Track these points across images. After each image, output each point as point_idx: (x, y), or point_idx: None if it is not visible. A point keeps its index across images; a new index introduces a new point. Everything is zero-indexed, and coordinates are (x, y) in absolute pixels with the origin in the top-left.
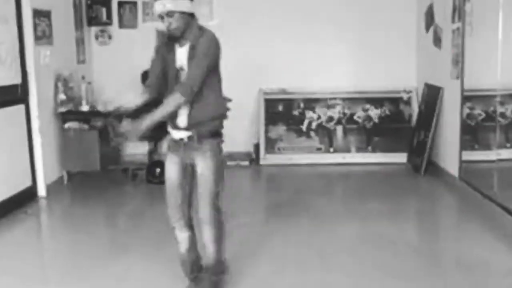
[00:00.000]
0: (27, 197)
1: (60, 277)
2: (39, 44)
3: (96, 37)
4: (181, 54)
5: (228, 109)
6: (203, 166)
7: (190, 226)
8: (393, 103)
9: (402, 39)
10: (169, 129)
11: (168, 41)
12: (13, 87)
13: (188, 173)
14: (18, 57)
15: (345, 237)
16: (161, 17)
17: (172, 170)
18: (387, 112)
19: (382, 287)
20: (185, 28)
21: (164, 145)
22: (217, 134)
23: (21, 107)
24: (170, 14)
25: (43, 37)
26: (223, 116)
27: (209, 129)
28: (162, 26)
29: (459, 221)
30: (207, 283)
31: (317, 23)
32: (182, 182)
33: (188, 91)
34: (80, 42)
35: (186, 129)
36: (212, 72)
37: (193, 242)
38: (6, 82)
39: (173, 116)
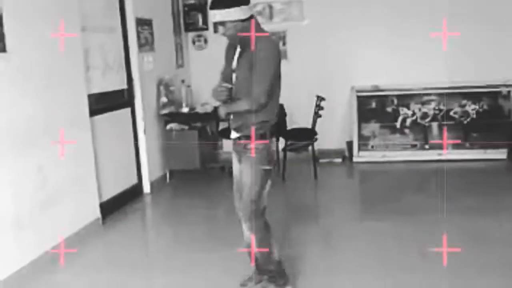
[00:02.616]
0: (134, 193)
1: (164, 266)
2: (142, 51)
3: (193, 42)
4: (235, 57)
5: (277, 115)
6: (243, 171)
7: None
8: (491, 97)
9: (501, 31)
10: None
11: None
12: (120, 91)
13: None
14: (123, 63)
15: (442, 234)
16: (219, 24)
17: (235, 168)
18: (485, 107)
19: (488, 284)
20: (236, 35)
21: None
22: (262, 138)
23: (127, 110)
24: (221, 23)
25: (146, 44)
26: (270, 121)
27: (255, 133)
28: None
29: None
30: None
31: (410, 17)
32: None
33: (255, 106)
34: (178, 48)
35: (235, 130)
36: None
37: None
38: (115, 87)
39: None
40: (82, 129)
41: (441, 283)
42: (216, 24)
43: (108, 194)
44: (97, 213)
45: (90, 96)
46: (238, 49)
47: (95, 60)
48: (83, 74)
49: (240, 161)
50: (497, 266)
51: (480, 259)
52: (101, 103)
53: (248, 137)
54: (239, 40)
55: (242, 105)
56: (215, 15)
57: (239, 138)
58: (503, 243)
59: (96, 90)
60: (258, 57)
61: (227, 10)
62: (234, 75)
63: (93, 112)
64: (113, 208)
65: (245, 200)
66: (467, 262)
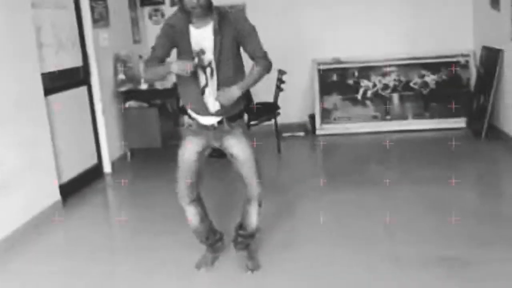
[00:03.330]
0: (94, 174)
1: (124, 250)
2: (97, 26)
3: (150, 17)
4: (201, 36)
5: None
6: (240, 148)
7: (199, 199)
8: (449, 67)
9: (457, 2)
10: (193, 114)
11: (183, 21)
12: (75, 69)
13: (206, 153)
14: (78, 40)
15: (404, 203)
16: None
17: (192, 151)
18: (444, 77)
19: (443, 253)
20: (208, 9)
21: (185, 126)
22: (242, 113)
23: (84, 88)
24: None
25: (100, 19)
26: (247, 95)
27: (238, 112)
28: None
29: None
30: (245, 244)
31: None
32: (198, 163)
33: (269, 67)
34: (135, 22)
35: (216, 114)
36: (238, 49)
37: (204, 212)
38: (69, 65)
39: (198, 100)
40: (37, 109)
41: (401, 252)
42: None
43: (68, 175)
44: (57, 195)
45: (44, 75)
46: (211, 26)
47: (48, 38)
48: (36, 52)
49: (223, 138)
50: (456, 236)
51: (440, 228)
52: (56, 82)
53: (232, 118)
54: (219, 16)
55: (257, 74)
56: None
57: (221, 121)
58: (462, 211)
59: (50, 68)
60: (243, 23)
61: None
62: (208, 56)
63: (48, 91)
64: (73, 189)
65: (256, 174)
66: (426, 231)
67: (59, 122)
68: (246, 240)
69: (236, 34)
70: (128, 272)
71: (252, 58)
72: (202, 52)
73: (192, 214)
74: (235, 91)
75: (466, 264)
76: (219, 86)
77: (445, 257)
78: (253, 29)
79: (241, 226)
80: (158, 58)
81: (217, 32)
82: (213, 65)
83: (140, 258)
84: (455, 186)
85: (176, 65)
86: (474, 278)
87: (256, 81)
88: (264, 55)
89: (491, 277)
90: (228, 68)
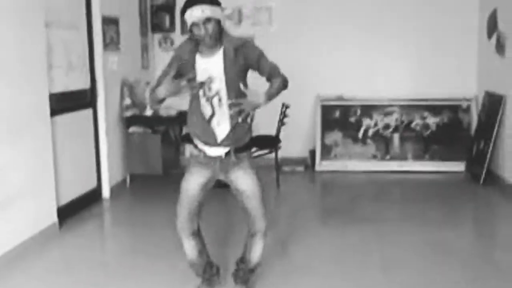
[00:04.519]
0: (92, 198)
1: (119, 275)
2: (107, 50)
3: (160, 44)
4: (209, 65)
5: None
6: (247, 182)
7: (198, 232)
8: (451, 111)
9: (463, 46)
10: (201, 145)
11: (190, 50)
12: (82, 92)
13: (210, 186)
14: (87, 63)
15: (403, 244)
16: (196, 24)
17: (195, 182)
18: (446, 120)
19: None
20: (218, 36)
21: (187, 153)
22: (250, 145)
23: (89, 111)
24: (207, 21)
25: (111, 43)
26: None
27: (246, 142)
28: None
29: None
30: (244, 279)
31: (375, 29)
32: (201, 195)
33: (286, 83)
34: (144, 49)
35: (224, 144)
36: (246, 75)
37: (203, 245)
38: (77, 87)
39: (206, 131)
40: (42, 129)
41: None
42: (197, 24)
43: (66, 198)
44: (54, 217)
45: (51, 96)
46: (221, 53)
47: (59, 58)
48: (46, 72)
49: (229, 171)
50: (456, 277)
51: (440, 270)
52: (63, 103)
53: (240, 149)
54: (228, 43)
55: (278, 86)
56: (203, 10)
57: (228, 152)
58: (463, 254)
59: (58, 89)
60: (252, 49)
61: (215, 7)
62: (215, 86)
63: (54, 112)
64: (70, 212)
65: (262, 208)
66: (427, 274)
67: (62, 143)
68: (247, 275)
69: (246, 60)
70: None
71: (269, 79)
72: (209, 80)
73: (190, 246)
74: (261, 97)
75: None
76: (230, 116)
77: None
78: (262, 53)
79: (242, 259)
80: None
81: (228, 58)
82: (222, 93)
83: (133, 284)
84: (452, 229)
85: (163, 88)
86: None
87: (278, 93)
88: (280, 73)
89: None
90: (236, 95)
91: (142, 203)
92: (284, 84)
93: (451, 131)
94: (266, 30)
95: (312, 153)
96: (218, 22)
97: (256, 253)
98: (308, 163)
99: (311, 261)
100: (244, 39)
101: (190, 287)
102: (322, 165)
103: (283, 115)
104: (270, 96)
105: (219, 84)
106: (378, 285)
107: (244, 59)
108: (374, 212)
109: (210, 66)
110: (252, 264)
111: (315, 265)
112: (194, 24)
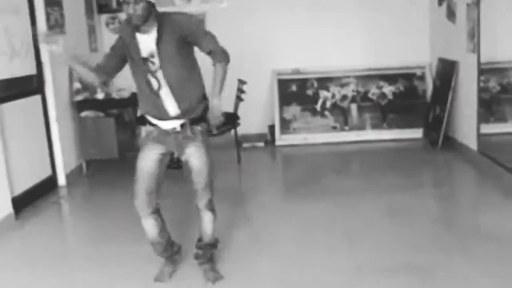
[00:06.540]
0: (48, 186)
1: (83, 263)
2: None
3: (107, 24)
4: (147, 41)
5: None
6: (198, 157)
7: (158, 211)
8: (407, 79)
9: (414, 15)
10: (153, 120)
11: (129, 29)
12: (28, 78)
13: (166, 162)
14: (32, 48)
15: (366, 212)
16: (126, 3)
17: (151, 159)
18: (401, 88)
19: (405, 260)
20: (147, 16)
21: (142, 134)
22: (204, 119)
23: (38, 97)
24: (137, 1)
25: (56, 26)
26: (205, 96)
27: (199, 115)
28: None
29: (480, 193)
30: (206, 257)
31: (328, 2)
32: (158, 171)
33: (227, 57)
34: (91, 30)
35: (177, 117)
36: (191, 47)
37: (162, 223)
38: (22, 73)
39: (157, 105)
40: None
41: (362, 260)
42: (127, 3)
43: (20, 188)
44: (10, 208)
45: None
46: (155, 30)
47: (1, 44)
48: None
49: (184, 146)
50: (419, 241)
51: (402, 234)
52: (9, 90)
53: (195, 120)
54: (160, 21)
55: (222, 70)
56: None
57: (183, 124)
58: (422, 217)
59: (2, 76)
60: (189, 23)
61: None
62: (156, 60)
63: (0, 100)
64: (26, 202)
65: (209, 185)
66: (390, 238)
67: (11, 132)
68: (207, 252)
69: (182, 35)
70: (86, 284)
71: (209, 53)
72: (151, 56)
73: (150, 225)
74: (215, 103)
75: (427, 269)
76: (171, 89)
77: (406, 264)
78: (199, 25)
79: (199, 239)
80: (99, 65)
81: (159, 36)
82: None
83: (97, 270)
84: (412, 193)
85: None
86: (436, 284)
87: (224, 78)
88: (218, 47)
89: (452, 282)
90: (176, 71)
91: (99, 188)
92: (226, 60)
93: (408, 99)
94: (216, 7)
95: (272, 128)
96: (148, 3)
97: (207, 226)
98: (268, 138)
99: (275, 232)
100: (181, 13)
101: (152, 268)
102: (282, 140)
103: (240, 91)
104: (219, 89)
105: (157, 60)
106: (343, 253)
107: (179, 34)
108: (336, 183)
109: (149, 43)
110: (206, 239)
111: (279, 237)
112: (124, 2)
